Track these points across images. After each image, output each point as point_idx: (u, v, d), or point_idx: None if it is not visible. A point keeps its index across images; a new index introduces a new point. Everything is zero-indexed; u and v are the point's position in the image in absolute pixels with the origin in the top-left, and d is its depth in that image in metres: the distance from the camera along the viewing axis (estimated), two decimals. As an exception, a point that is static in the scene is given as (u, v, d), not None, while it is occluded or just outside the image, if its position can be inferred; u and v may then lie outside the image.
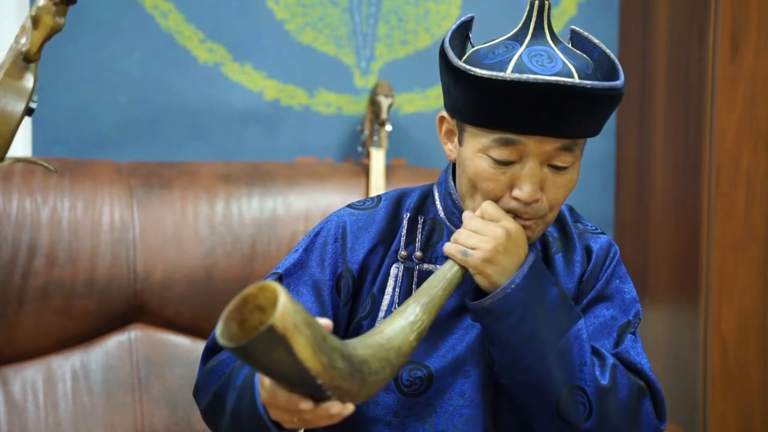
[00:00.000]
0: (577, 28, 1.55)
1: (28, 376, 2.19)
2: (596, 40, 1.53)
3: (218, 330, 1.21)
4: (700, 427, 2.38)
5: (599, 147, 2.74)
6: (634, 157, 2.70)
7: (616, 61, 1.50)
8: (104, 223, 2.24)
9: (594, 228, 1.64)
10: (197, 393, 1.58)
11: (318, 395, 1.29)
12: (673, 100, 2.53)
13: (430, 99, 2.66)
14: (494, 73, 1.42)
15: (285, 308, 1.19)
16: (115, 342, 2.25)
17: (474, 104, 1.46)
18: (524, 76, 1.41)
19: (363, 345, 1.36)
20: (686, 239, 2.45)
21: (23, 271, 2.17)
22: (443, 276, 1.47)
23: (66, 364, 2.21)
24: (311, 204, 2.34)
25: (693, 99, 2.43)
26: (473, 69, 1.44)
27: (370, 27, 2.65)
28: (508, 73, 1.42)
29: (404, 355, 1.39)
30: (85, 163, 2.32)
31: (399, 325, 1.40)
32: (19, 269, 2.17)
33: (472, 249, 1.46)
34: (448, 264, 1.48)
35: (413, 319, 1.41)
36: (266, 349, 1.20)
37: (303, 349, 1.22)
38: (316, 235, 1.61)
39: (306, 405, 1.29)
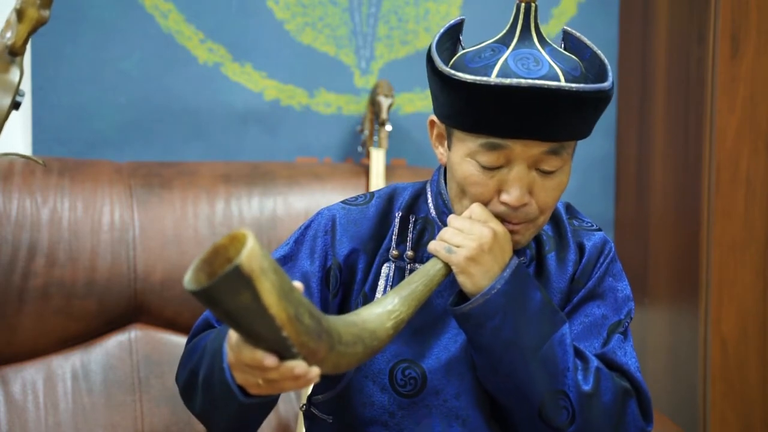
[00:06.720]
0: (570, 29, 1.54)
1: (28, 376, 2.19)
2: (588, 42, 1.52)
3: (186, 278, 1.17)
4: (700, 427, 2.38)
5: (599, 147, 2.74)
6: (634, 157, 2.70)
7: (606, 62, 1.49)
8: (104, 223, 2.24)
9: (590, 224, 1.64)
10: (177, 375, 1.58)
11: (283, 352, 1.24)
12: (673, 100, 2.53)
13: (430, 99, 2.66)
14: (478, 78, 1.42)
15: (252, 250, 1.16)
16: (115, 342, 2.25)
17: (460, 109, 1.46)
18: (508, 81, 1.40)
19: (336, 319, 1.34)
20: (686, 239, 2.45)
21: (23, 271, 2.17)
22: (426, 272, 1.46)
23: (66, 364, 2.21)
24: (311, 204, 2.33)
25: (693, 99, 2.43)
26: (458, 74, 1.43)
27: (370, 27, 2.65)
28: (493, 78, 1.42)
29: (379, 339, 1.38)
30: (85, 163, 2.32)
31: (376, 311, 1.40)
32: (19, 269, 2.17)
33: (457, 246, 1.46)
34: (432, 261, 1.48)
35: (391, 308, 1.40)
36: (231, 291, 1.16)
37: (268, 295, 1.18)
38: (307, 227, 1.61)
39: (270, 361, 1.24)
